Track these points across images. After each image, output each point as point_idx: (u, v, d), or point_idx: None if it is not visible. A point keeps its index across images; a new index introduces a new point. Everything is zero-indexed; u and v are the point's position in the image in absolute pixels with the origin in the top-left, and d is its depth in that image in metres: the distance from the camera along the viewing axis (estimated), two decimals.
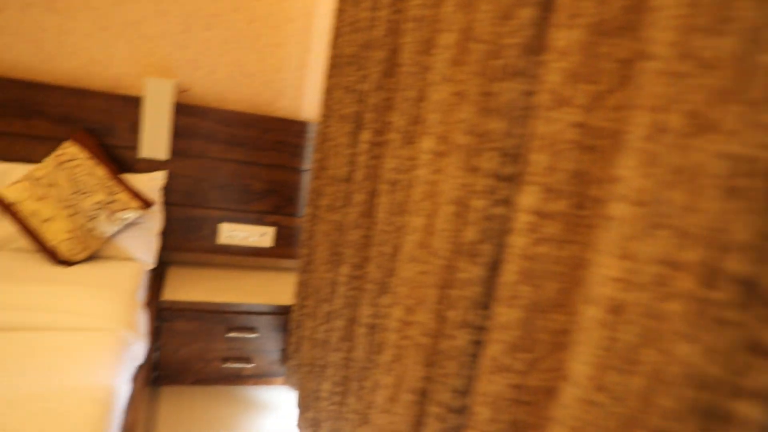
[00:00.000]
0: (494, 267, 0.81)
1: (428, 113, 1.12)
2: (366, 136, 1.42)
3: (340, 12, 1.72)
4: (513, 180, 0.78)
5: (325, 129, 1.81)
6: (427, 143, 1.11)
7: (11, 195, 1.85)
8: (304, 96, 2.35)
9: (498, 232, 0.80)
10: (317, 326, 1.76)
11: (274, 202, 2.35)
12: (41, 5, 1.98)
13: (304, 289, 1.99)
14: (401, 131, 1.25)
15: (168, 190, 2.21)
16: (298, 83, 2.33)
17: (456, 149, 0.95)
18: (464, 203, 0.93)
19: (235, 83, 2.26)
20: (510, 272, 0.76)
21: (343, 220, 1.57)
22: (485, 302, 0.82)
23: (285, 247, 2.42)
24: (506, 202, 0.79)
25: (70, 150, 1.95)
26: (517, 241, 0.74)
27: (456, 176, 0.95)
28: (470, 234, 0.90)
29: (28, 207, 1.85)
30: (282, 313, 2.18)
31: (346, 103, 1.61)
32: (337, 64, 1.73)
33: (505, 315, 0.76)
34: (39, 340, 1.38)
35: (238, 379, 2.20)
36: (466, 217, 0.91)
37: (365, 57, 1.48)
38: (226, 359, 2.15)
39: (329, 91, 1.78)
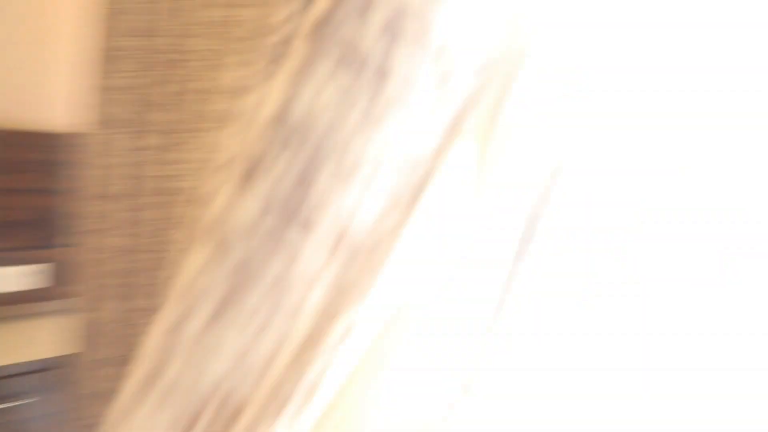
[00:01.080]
0: None
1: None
2: (152, 140, 1.18)
3: None
4: None
5: (96, 140, 1.50)
6: None
7: None
8: (54, 104, 1.94)
9: None
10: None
11: (43, 234, 1.92)
12: None
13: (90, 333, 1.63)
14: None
15: None
16: (41, 89, 1.91)
17: None
18: None
19: None
20: None
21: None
22: None
23: (62, 286, 1.99)
24: None
25: None
26: None
27: None
28: None
29: None
30: (55, 367, 1.76)
31: (122, 105, 1.34)
32: (110, 60, 1.44)
33: None
34: None
35: None
36: None
37: (144, 47, 1.23)
38: None
39: (102, 94, 1.48)
